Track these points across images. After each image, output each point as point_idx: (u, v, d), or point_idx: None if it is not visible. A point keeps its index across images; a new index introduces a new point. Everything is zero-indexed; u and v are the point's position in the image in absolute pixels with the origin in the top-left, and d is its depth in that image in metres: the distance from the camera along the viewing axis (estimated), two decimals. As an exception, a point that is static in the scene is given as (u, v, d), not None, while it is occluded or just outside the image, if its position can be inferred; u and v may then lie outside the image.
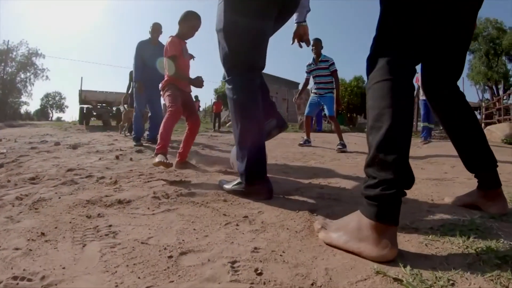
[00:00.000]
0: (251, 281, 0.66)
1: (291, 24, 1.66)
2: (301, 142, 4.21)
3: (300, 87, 4.87)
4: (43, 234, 0.93)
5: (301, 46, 1.74)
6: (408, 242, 0.87)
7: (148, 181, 1.71)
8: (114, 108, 10.37)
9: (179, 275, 0.69)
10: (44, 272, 0.70)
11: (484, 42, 22.96)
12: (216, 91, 21.67)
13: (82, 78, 12.05)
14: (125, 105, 6.30)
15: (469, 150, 1.18)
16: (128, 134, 5.64)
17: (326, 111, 4.05)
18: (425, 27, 0.93)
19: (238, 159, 1.40)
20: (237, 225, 1.02)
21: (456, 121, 1.18)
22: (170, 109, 2.15)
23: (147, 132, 4.35)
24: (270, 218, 1.09)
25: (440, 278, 0.66)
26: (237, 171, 1.47)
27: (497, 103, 12.43)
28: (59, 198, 1.36)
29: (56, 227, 0.99)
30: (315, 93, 4.07)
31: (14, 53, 28.61)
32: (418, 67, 1.10)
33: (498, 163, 1.15)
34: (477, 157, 1.16)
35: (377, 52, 0.93)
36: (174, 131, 2.77)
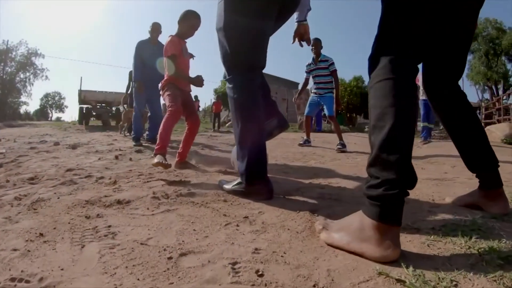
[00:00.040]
0: (252, 282, 0.65)
1: (291, 24, 1.66)
2: (301, 142, 4.21)
3: (300, 87, 4.87)
4: (41, 234, 0.92)
5: (301, 45, 1.74)
6: (410, 242, 0.86)
7: (148, 181, 1.70)
8: (113, 108, 10.37)
9: (179, 277, 0.68)
10: (42, 274, 0.69)
11: (483, 42, 22.99)
12: (215, 91, 21.66)
13: (81, 78, 11.96)
14: (125, 105, 6.29)
15: (470, 150, 1.17)
16: (128, 134, 5.63)
17: (325, 111, 4.05)
18: (424, 27, 0.92)
19: (238, 158, 1.39)
20: (238, 225, 1.01)
21: (457, 120, 1.18)
22: (170, 108, 2.14)
23: (146, 132, 4.34)
24: (271, 218, 1.09)
25: (443, 279, 0.65)
26: (237, 171, 1.47)
27: (496, 103, 12.45)
28: (58, 198, 1.35)
29: (54, 228, 0.98)
30: (315, 93, 4.07)
31: (14, 53, 28.62)
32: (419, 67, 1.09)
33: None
34: (478, 156, 1.15)
35: (379, 51, 0.92)
36: (174, 131, 2.76)
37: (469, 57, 23.53)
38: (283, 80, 26.73)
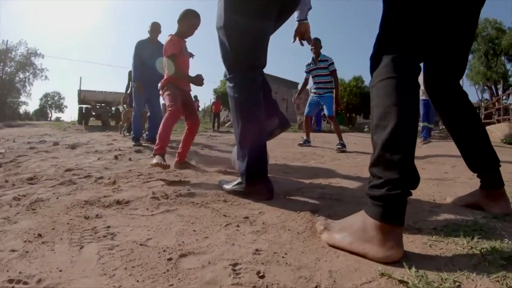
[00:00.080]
0: (253, 284, 0.65)
1: (291, 23, 1.65)
2: (301, 142, 4.20)
3: (300, 87, 4.86)
4: (40, 235, 0.91)
5: (302, 44, 1.73)
6: (412, 243, 0.85)
7: (147, 181, 1.69)
8: (113, 108, 10.35)
9: (179, 278, 0.67)
10: (40, 275, 0.68)
11: (483, 42, 23.01)
12: (215, 91, 21.64)
13: (81, 78, 11.94)
14: (124, 105, 6.28)
15: (472, 150, 1.17)
16: (127, 134, 5.63)
17: (325, 111, 4.04)
18: (425, 27, 0.92)
19: (238, 158, 1.38)
20: (238, 226, 1.00)
21: (458, 120, 1.17)
22: (170, 108, 2.13)
23: (146, 132, 4.33)
24: (271, 219, 1.08)
25: (446, 279, 0.64)
26: (238, 171, 1.46)
27: (496, 103, 12.47)
28: (57, 198, 1.35)
29: (53, 228, 0.97)
30: (315, 93, 4.06)
31: (13, 53, 28.62)
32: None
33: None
34: (480, 156, 1.15)
35: (381, 51, 0.91)
36: (174, 131, 2.76)
37: (469, 57, 23.57)
38: (283, 80, 26.71)
